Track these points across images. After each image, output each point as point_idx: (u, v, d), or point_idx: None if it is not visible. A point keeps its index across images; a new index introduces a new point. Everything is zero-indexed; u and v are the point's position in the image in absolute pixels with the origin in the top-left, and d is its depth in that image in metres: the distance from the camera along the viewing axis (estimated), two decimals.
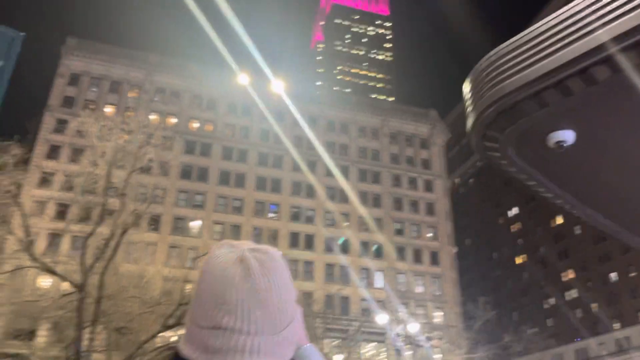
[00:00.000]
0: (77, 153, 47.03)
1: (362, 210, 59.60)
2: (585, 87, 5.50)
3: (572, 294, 73.42)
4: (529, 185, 7.53)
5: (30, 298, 29.49)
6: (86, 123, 26.35)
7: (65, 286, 27.33)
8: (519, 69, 5.97)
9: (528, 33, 6.05)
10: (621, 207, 7.81)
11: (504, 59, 6.22)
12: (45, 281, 34.59)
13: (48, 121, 52.74)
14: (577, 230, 74.05)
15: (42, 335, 36.80)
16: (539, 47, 5.82)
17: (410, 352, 49.00)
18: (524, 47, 6.01)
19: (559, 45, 5.62)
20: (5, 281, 30.48)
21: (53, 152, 50.46)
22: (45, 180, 47.19)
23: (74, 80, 56.06)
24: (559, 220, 78.14)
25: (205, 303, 0.89)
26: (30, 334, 33.94)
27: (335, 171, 59.17)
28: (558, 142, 6.10)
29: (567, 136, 6.06)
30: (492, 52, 6.41)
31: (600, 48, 5.29)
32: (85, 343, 23.79)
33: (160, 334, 26.76)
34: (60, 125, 51.49)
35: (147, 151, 26.37)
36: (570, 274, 74.62)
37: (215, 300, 0.87)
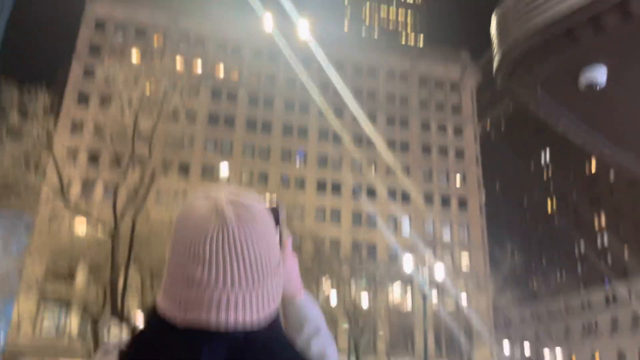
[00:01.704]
0: (105, 101, 47.53)
1: (390, 157, 59.23)
2: (620, 21, 5.12)
3: (603, 240, 72.62)
4: (557, 128, 7.22)
5: (67, 243, 30.69)
6: (112, 70, 26.39)
7: (100, 231, 28.26)
8: (549, 5, 5.57)
9: None
10: None
11: None
12: (80, 226, 35.81)
13: (76, 69, 53.13)
14: (612, 175, 72.34)
15: (81, 277, 38.54)
16: None
17: (436, 296, 49.73)
18: None
19: None
20: (43, 227, 31.73)
21: (82, 100, 51.06)
22: (76, 128, 48.06)
23: (100, 26, 55.90)
24: (593, 165, 76.37)
25: (179, 255, 0.84)
26: (70, 277, 35.45)
27: (363, 118, 58.48)
28: (590, 81, 5.76)
29: (600, 75, 5.71)
30: None
31: None
32: (120, 285, 24.74)
33: None
34: (88, 73, 51.84)
35: (173, 99, 26.38)
36: (602, 220, 73.58)
37: (188, 252, 0.83)
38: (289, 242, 1.05)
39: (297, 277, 1.08)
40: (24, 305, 35.25)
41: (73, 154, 42.04)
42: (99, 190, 44.91)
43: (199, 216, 0.84)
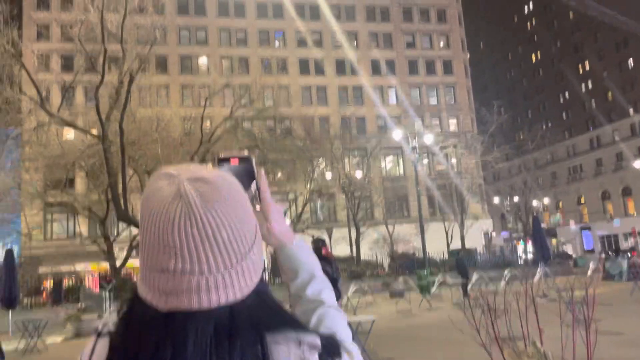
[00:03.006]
0: (67, 0, 44.91)
1: (371, 26, 57.44)
2: None
3: (588, 85, 73.10)
4: None
5: (58, 151, 30.83)
6: None
7: (89, 137, 28.29)
8: None
9: None
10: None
11: None
12: (69, 134, 35.72)
13: None
14: (594, 19, 70.84)
15: (80, 183, 39.24)
16: None
17: (426, 161, 51.18)
18: None
19: None
20: (30, 138, 31.62)
21: (41, 1, 48.10)
22: (42, 34, 45.85)
23: None
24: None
25: (150, 245, 0.80)
26: (69, 183, 36.03)
27: None
28: None
29: None
30: None
31: None
32: (120, 186, 25.35)
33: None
34: None
35: None
36: (586, 66, 73.47)
37: (158, 243, 0.79)
38: (266, 192, 1.03)
39: (283, 225, 1.06)
40: (31, 216, 36.27)
41: (45, 61, 40.56)
42: (79, 96, 44.09)
43: (162, 202, 0.79)
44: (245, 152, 1.00)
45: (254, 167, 1.01)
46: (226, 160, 1.02)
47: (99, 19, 24.49)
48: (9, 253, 17.59)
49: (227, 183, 0.83)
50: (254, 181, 1.03)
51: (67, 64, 42.74)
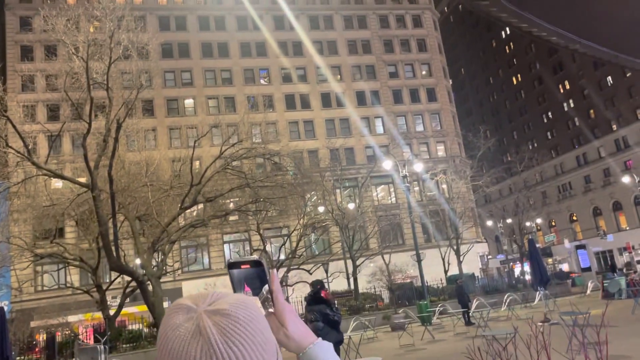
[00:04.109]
0: (50, 50, 45.13)
1: (353, 59, 58.31)
2: None
3: (570, 103, 74.32)
4: (520, 28, 7.20)
5: (47, 202, 30.45)
6: (49, 18, 24.82)
7: (78, 186, 27.98)
8: None
9: None
10: (619, 34, 7.50)
11: None
12: (57, 183, 35.34)
13: (11, 21, 49.82)
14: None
15: (70, 232, 38.70)
16: None
17: (417, 189, 51.29)
18: None
19: None
20: (18, 190, 31.22)
21: (25, 53, 48.39)
22: (26, 85, 45.91)
23: None
24: None
25: None
26: (59, 233, 35.48)
27: (320, 21, 56.31)
28: None
29: None
30: None
31: None
32: (110, 232, 24.97)
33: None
34: (25, 23, 48.74)
35: (121, 39, 25.18)
36: (567, 85, 74.84)
37: None
38: (279, 293, 1.03)
39: (301, 327, 1.05)
40: (20, 269, 35.61)
41: (30, 112, 40.52)
42: (67, 144, 43.98)
43: (181, 341, 0.80)
44: (256, 256, 0.99)
45: (266, 270, 1.00)
46: (236, 265, 1.01)
47: (84, 69, 24.50)
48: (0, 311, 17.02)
49: (246, 312, 0.83)
50: (266, 284, 1.01)
51: (53, 114, 42.74)
